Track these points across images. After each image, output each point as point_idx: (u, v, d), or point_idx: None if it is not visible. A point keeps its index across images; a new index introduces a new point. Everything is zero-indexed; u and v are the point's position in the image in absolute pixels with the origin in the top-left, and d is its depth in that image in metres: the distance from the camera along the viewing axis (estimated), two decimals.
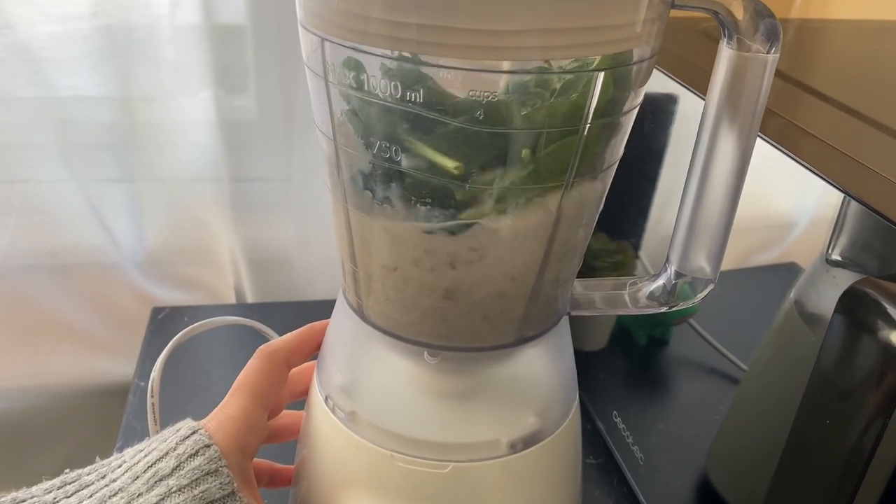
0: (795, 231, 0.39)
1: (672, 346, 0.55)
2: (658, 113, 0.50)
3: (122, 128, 0.71)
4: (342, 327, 0.37)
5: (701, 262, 0.32)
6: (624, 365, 0.61)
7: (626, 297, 0.34)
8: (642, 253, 0.61)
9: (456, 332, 0.32)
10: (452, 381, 0.34)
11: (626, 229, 0.60)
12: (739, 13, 0.28)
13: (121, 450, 0.34)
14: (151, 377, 0.43)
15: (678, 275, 0.32)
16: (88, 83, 0.68)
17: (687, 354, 0.60)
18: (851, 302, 0.31)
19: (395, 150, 0.27)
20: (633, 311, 0.33)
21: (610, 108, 0.28)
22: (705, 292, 0.32)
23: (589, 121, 0.27)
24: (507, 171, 0.27)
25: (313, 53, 0.29)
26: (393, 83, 0.26)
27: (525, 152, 0.27)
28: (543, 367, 0.35)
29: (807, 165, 0.35)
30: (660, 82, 0.49)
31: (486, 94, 0.26)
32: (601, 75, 0.27)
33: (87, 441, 0.83)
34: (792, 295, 0.39)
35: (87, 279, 0.76)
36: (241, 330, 0.74)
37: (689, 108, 0.47)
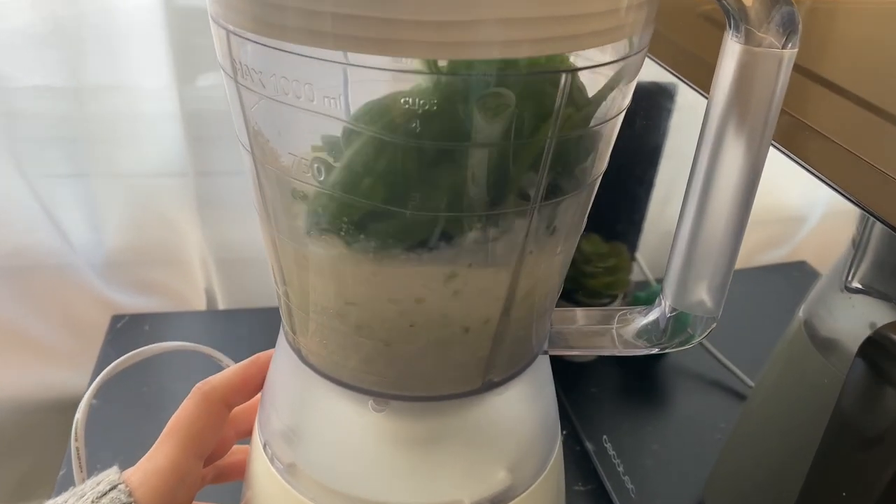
0: (806, 226, 0.36)
1: (670, 357, 0.50)
2: (654, 103, 0.45)
3: (74, 120, 0.67)
4: (282, 364, 0.32)
5: (701, 294, 0.27)
6: (617, 377, 0.56)
7: (614, 334, 0.29)
8: (639, 255, 0.57)
9: (406, 379, 0.27)
10: (406, 432, 0.29)
11: (620, 229, 0.55)
12: (752, 4, 0.23)
13: (64, 478, 0.30)
14: (76, 418, 0.39)
15: (673, 310, 0.27)
16: (35, 73, 0.63)
17: (686, 366, 0.56)
18: (875, 351, 0.26)
19: (318, 169, 0.22)
20: (620, 350, 0.28)
21: (581, 118, 0.23)
22: (706, 332, 0.27)
23: (556, 134, 0.22)
24: (454, 194, 0.22)
25: (222, 50, 0.24)
26: (307, 86, 0.21)
27: (476, 171, 0.22)
28: (515, 415, 0.30)
29: (820, 176, 0.30)
30: (655, 71, 0.43)
31: (423, 102, 0.20)
32: (571, 78, 0.22)
33: (42, 459, 0.78)
34: (801, 314, 0.35)
35: (40, 284, 0.72)
36: (208, 336, 0.70)
37: (688, 99, 0.42)
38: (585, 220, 0.28)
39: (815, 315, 0.34)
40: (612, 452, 0.52)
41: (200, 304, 0.78)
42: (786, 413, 0.36)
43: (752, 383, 0.39)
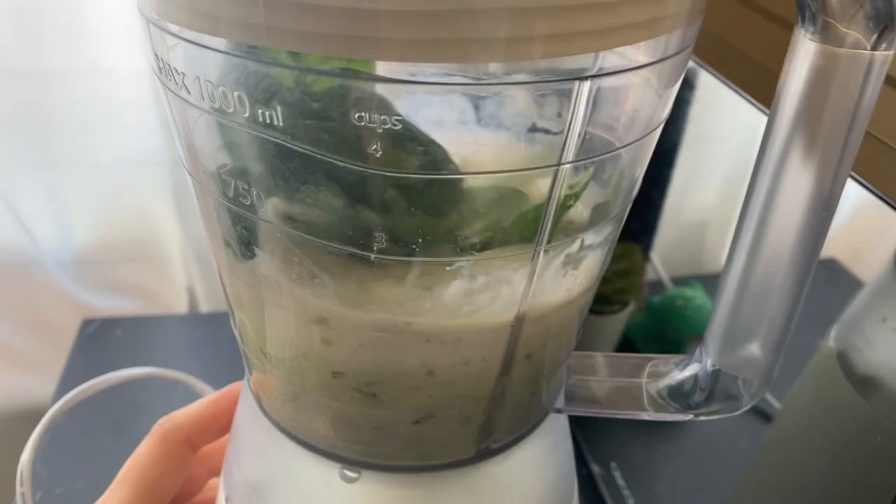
0: (835, 219, 0.30)
1: None
2: None
3: (38, 106, 0.62)
4: (245, 409, 0.28)
5: (752, 351, 0.22)
6: None
7: (643, 390, 0.24)
8: (654, 254, 0.52)
9: (381, 446, 0.23)
10: None
11: (633, 228, 0.50)
12: None
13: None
14: (21, 461, 0.34)
15: (716, 368, 0.22)
16: None
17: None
18: None
19: (257, 195, 0.17)
20: (650, 414, 0.23)
21: (607, 137, 0.18)
22: (756, 398, 0.22)
23: (569, 158, 0.17)
24: (432, 234, 0.17)
25: (149, 43, 0.19)
26: (237, 93, 0.16)
27: (463, 209, 0.17)
28: (520, 485, 0.26)
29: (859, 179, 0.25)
30: None
31: (384, 119, 0.15)
32: (591, 88, 0.17)
33: (4, 471, 0.74)
34: (833, 342, 0.30)
35: (2, 284, 0.68)
36: (188, 343, 0.65)
37: (709, 86, 0.37)
38: (610, 255, 0.23)
39: (851, 346, 0.30)
40: (621, 482, 0.48)
41: (181, 306, 0.73)
42: (816, 450, 0.32)
43: (777, 403, 0.35)
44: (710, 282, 0.68)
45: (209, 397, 0.32)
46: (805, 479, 0.33)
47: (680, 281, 0.63)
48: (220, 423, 0.32)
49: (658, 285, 0.63)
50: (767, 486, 0.37)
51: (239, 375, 0.63)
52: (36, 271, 0.68)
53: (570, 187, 0.18)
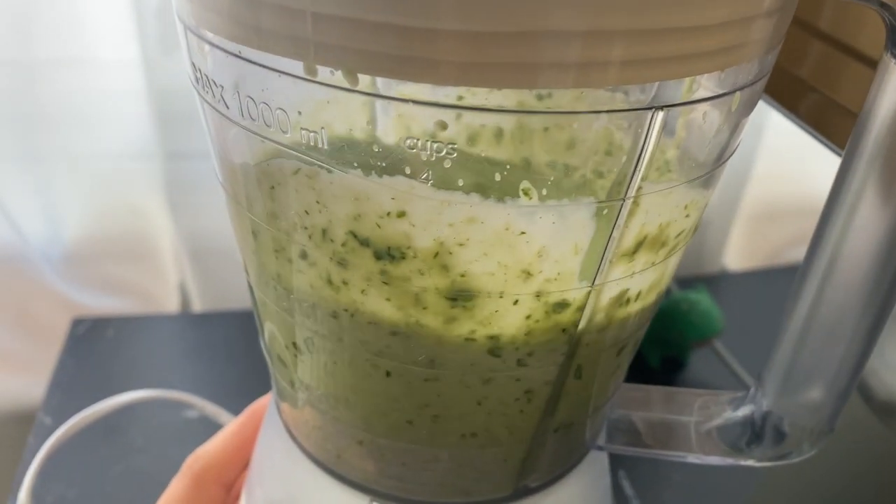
0: None
1: (695, 371, 0.45)
2: None
3: (25, 98, 0.59)
4: (271, 430, 0.26)
5: (815, 395, 0.20)
6: None
7: (692, 429, 0.22)
8: None
9: (412, 483, 0.21)
10: None
11: None
12: None
13: None
14: (19, 499, 0.32)
15: (770, 412, 0.21)
16: None
17: (710, 382, 0.50)
18: None
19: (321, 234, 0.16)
20: (698, 456, 0.22)
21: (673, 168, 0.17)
22: (815, 447, 0.21)
23: (632, 192, 0.16)
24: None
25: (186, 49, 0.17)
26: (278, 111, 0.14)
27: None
28: None
29: None
30: None
31: (438, 146, 0.14)
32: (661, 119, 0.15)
33: None
34: None
35: None
36: (181, 344, 0.63)
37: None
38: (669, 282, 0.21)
39: (871, 372, 0.29)
40: (629, 492, 0.47)
41: (173, 304, 0.71)
42: (834, 475, 0.32)
43: None
44: (714, 284, 0.67)
45: (232, 425, 0.31)
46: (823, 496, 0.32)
47: (683, 282, 0.62)
48: (248, 452, 0.30)
49: (691, 282, 0.62)
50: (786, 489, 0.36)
51: (233, 379, 0.61)
52: (24, 268, 0.65)
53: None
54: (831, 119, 0.23)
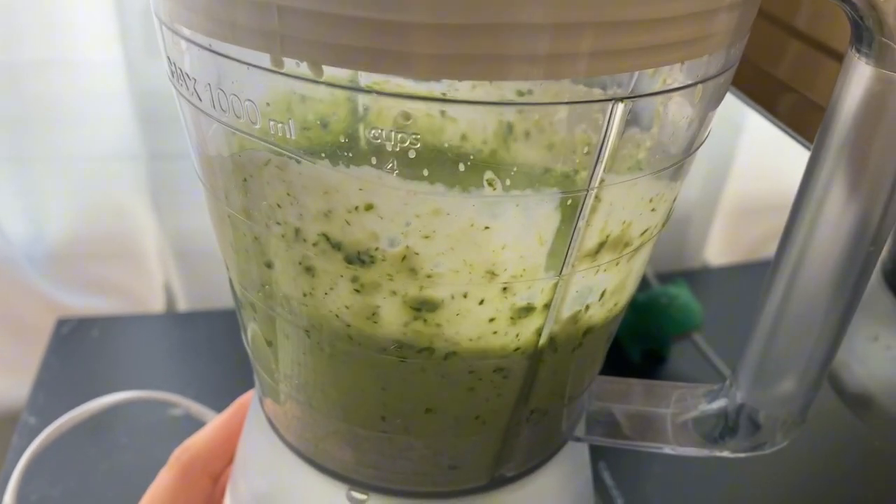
0: None
1: (674, 364, 0.46)
2: None
3: (8, 98, 0.59)
4: (254, 422, 0.26)
5: (787, 387, 0.21)
6: None
7: (669, 421, 0.22)
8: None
9: (389, 471, 0.21)
10: None
11: None
12: (891, 3, 0.16)
13: None
14: (4, 500, 0.32)
15: (744, 405, 0.21)
16: None
17: (690, 376, 0.50)
18: None
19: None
20: (674, 447, 0.22)
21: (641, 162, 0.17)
22: (787, 438, 0.21)
23: (595, 183, 0.16)
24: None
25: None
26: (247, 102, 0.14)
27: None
28: None
29: None
30: None
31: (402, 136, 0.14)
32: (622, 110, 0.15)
33: None
34: None
35: None
36: (166, 344, 0.62)
37: None
38: (641, 274, 0.21)
39: (842, 364, 0.29)
40: (610, 482, 0.47)
41: (158, 305, 0.70)
42: (806, 465, 0.33)
43: None
44: (695, 279, 0.67)
45: (219, 418, 0.31)
46: (795, 494, 0.33)
47: (664, 277, 0.63)
48: (234, 444, 0.30)
49: (643, 282, 0.62)
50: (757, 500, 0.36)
51: (218, 378, 0.60)
52: (7, 268, 0.64)
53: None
54: (807, 117, 0.24)
